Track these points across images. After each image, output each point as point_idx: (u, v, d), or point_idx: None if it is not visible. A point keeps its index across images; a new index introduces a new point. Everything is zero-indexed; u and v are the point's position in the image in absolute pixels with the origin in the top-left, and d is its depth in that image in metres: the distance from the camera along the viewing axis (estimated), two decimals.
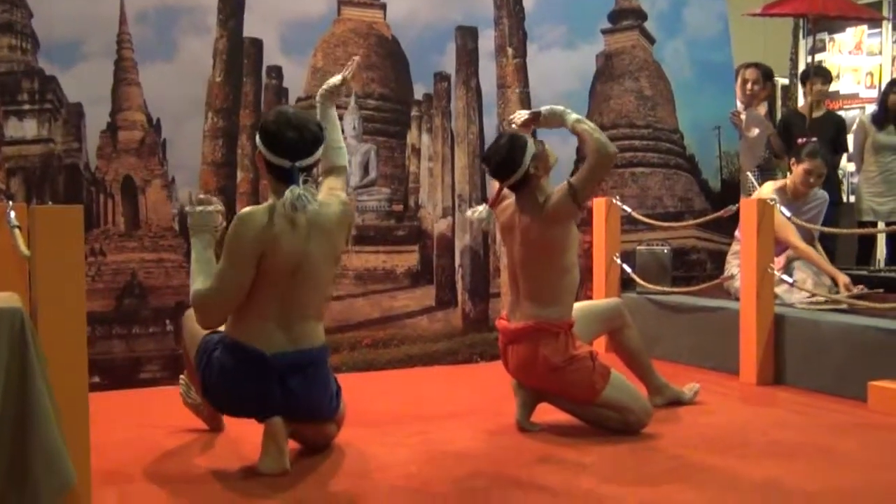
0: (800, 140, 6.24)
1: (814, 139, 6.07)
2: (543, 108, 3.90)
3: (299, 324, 3.37)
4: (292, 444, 3.45)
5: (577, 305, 3.99)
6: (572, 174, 4.24)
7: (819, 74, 7.04)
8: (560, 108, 3.89)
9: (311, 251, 3.34)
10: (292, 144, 3.29)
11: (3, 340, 2.16)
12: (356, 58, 3.91)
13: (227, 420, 3.83)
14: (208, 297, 3.26)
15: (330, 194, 3.51)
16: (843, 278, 5.25)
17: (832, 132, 6.84)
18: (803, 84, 7.08)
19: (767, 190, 5.45)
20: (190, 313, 3.66)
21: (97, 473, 2.77)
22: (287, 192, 3.22)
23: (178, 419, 3.93)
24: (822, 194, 5.58)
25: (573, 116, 3.85)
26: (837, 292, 5.18)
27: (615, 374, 3.88)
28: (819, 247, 5.67)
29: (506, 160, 3.85)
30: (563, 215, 3.78)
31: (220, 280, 3.23)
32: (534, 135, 4.11)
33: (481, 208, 3.98)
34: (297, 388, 3.33)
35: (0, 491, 2.13)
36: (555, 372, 3.81)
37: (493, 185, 4.02)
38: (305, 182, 3.31)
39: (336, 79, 3.75)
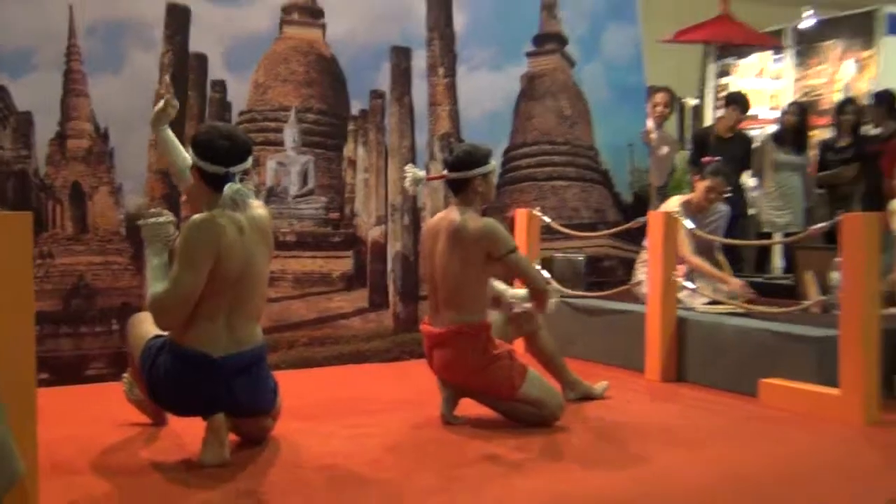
0: (704, 159, 6.37)
1: (717, 158, 6.19)
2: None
3: (243, 325, 3.39)
4: (231, 437, 3.46)
5: (496, 314, 4.07)
6: None
7: (738, 102, 7.14)
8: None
9: (255, 254, 3.38)
10: (225, 152, 3.34)
11: None
12: (167, 79, 3.92)
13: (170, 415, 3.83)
14: (166, 301, 3.25)
15: None
16: (734, 283, 5.36)
17: (741, 152, 6.97)
18: (725, 107, 7.19)
19: (673, 203, 5.55)
20: (136, 317, 3.66)
21: (44, 467, 2.76)
22: (226, 189, 3.26)
23: (123, 414, 3.90)
24: (724, 208, 5.71)
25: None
26: (734, 298, 5.30)
27: (531, 371, 3.95)
28: (721, 256, 5.81)
29: (464, 155, 3.99)
30: (482, 250, 3.85)
31: (176, 284, 3.23)
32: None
33: (418, 172, 4.11)
34: (242, 386, 3.36)
35: None
36: (476, 371, 3.88)
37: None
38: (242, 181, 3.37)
39: (159, 105, 3.75)
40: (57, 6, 4.88)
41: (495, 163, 4.18)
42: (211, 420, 3.35)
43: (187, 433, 3.59)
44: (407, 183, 4.13)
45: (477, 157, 4.00)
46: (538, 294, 3.99)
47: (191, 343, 3.30)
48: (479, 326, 3.88)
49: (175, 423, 3.80)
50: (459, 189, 4.00)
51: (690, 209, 5.45)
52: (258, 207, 3.51)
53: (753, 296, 5.26)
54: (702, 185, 5.54)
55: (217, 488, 3.10)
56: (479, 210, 4.00)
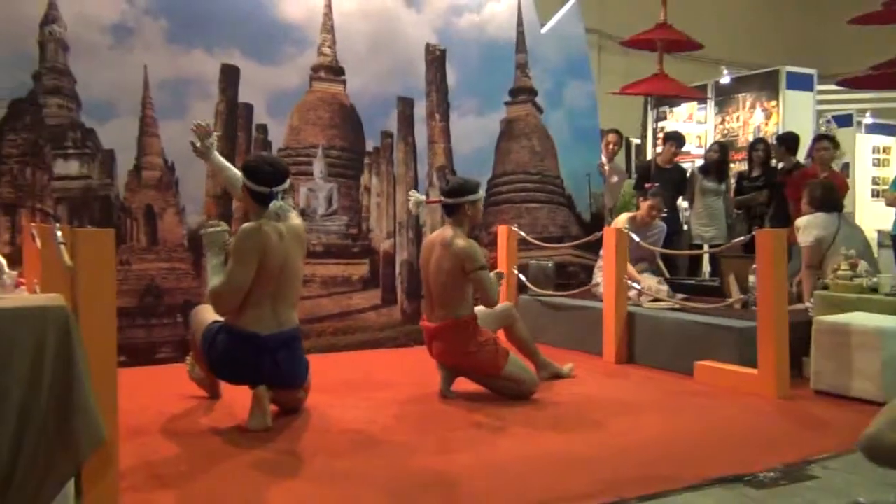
0: (646, 185, 6.37)
1: (657, 184, 6.19)
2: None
3: (284, 310, 3.42)
4: (272, 408, 3.43)
5: (481, 309, 4.03)
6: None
7: (675, 139, 7.12)
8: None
9: (292, 255, 3.41)
10: (269, 175, 3.39)
11: (51, 330, 2.13)
12: (200, 122, 3.89)
13: (223, 389, 3.80)
14: (223, 291, 3.30)
15: None
16: (647, 281, 5.36)
17: (678, 179, 6.97)
18: (664, 143, 7.18)
19: (622, 219, 5.55)
20: (197, 308, 3.66)
21: (123, 432, 2.72)
22: (271, 206, 3.33)
23: (186, 390, 3.89)
24: (662, 225, 5.71)
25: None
26: (673, 296, 5.29)
27: (512, 355, 3.93)
28: (660, 262, 5.81)
29: (457, 185, 4.00)
30: (460, 263, 3.80)
31: (231, 278, 3.29)
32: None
33: (420, 196, 4.14)
34: (283, 360, 3.38)
35: (51, 444, 2.08)
36: (467, 354, 3.85)
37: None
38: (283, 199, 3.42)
39: (197, 144, 3.80)
40: (134, 66, 4.86)
41: (482, 192, 4.17)
42: (256, 391, 3.34)
43: (237, 404, 3.58)
44: (411, 205, 4.15)
45: (467, 188, 3.99)
46: (488, 305, 3.96)
47: (243, 324, 3.33)
48: (467, 319, 3.85)
49: (227, 396, 3.78)
50: (452, 212, 3.97)
51: (635, 224, 5.44)
52: (295, 218, 3.55)
53: (666, 293, 5.27)
54: (645, 205, 5.54)
55: (262, 448, 3.09)
56: (466, 230, 3.97)
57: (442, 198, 4.05)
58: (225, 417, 3.52)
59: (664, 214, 5.73)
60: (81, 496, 2.29)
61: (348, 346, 5.42)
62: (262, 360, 3.33)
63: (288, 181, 3.48)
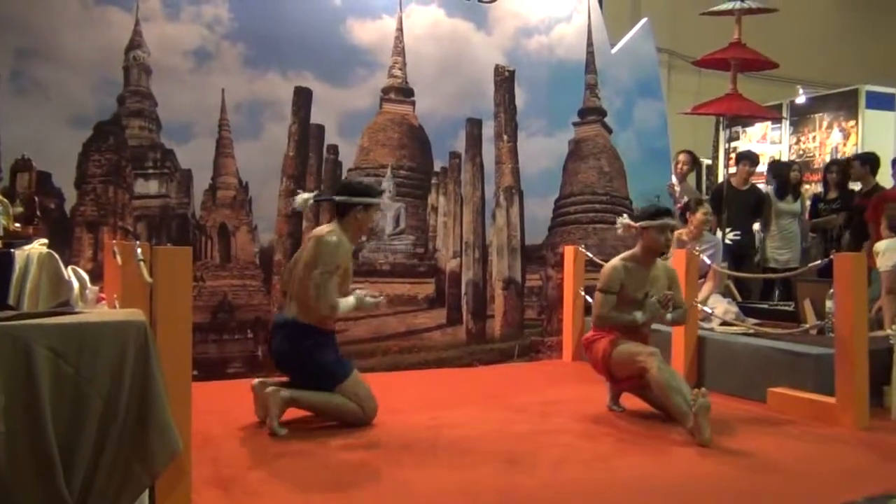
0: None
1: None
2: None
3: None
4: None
5: None
6: None
7: (749, 158, 7.00)
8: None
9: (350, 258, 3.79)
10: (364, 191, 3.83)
11: (131, 344, 2.19)
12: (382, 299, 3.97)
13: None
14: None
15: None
16: (716, 306, 5.20)
17: (753, 202, 6.82)
18: (737, 164, 7.04)
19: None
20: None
21: (196, 440, 2.79)
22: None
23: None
24: (714, 238, 5.57)
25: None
26: (744, 319, 5.15)
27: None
28: (731, 285, 5.67)
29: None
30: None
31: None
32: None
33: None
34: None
35: (128, 455, 2.15)
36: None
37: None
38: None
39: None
40: (212, 89, 5.02)
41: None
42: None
43: (306, 419, 3.60)
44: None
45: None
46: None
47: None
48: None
49: (295, 411, 3.83)
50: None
51: (683, 241, 5.31)
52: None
53: (735, 315, 5.16)
54: (698, 215, 5.40)
55: (332, 463, 3.10)
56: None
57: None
58: (293, 432, 3.57)
59: (736, 234, 5.58)
60: None
61: (413, 366, 5.44)
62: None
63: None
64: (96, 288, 3.36)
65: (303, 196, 3.84)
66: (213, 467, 3.01)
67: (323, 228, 3.78)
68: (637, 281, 3.97)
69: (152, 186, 4.87)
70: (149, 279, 2.54)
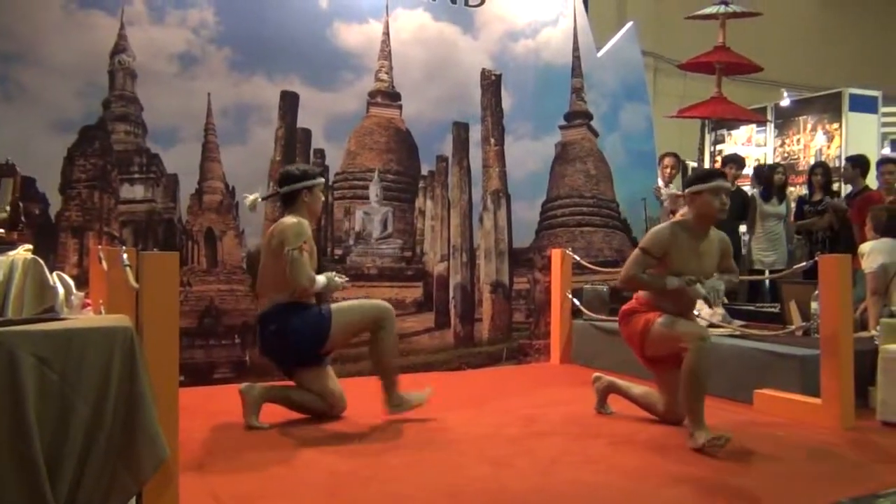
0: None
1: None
2: None
3: None
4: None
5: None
6: None
7: (735, 161, 7.03)
8: None
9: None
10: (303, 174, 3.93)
11: (117, 350, 2.17)
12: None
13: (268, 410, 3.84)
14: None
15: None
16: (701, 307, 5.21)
17: (739, 204, 6.83)
18: (723, 167, 7.06)
19: None
20: None
21: (182, 450, 2.78)
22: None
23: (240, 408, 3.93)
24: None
25: None
26: (730, 321, 5.18)
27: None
28: None
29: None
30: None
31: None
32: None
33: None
34: None
35: (115, 462, 2.13)
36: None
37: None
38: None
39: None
40: (198, 93, 5.00)
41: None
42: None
43: (297, 423, 3.58)
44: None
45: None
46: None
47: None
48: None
49: (286, 415, 3.81)
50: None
51: None
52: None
53: (721, 316, 5.15)
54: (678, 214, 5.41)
55: (318, 468, 3.09)
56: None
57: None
58: (283, 437, 3.56)
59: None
60: None
61: (402, 369, 5.36)
62: None
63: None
64: (82, 294, 3.34)
65: (250, 198, 3.96)
66: (201, 474, 2.99)
67: (281, 219, 3.89)
68: (686, 252, 3.63)
69: (138, 191, 4.85)
70: (135, 284, 2.52)
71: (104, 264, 3.39)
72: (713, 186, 3.62)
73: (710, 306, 4.49)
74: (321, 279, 3.82)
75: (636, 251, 3.75)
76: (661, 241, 3.65)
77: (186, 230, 4.97)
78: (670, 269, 3.62)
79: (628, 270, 3.70)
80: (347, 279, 4.04)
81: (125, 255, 2.73)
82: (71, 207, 4.66)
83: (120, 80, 4.82)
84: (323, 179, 4.10)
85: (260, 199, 3.99)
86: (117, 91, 4.81)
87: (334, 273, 3.98)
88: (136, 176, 4.85)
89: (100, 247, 4.08)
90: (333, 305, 3.89)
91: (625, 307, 3.90)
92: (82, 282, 3.98)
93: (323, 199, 4.06)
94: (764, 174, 7.14)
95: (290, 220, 3.78)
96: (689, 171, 9.14)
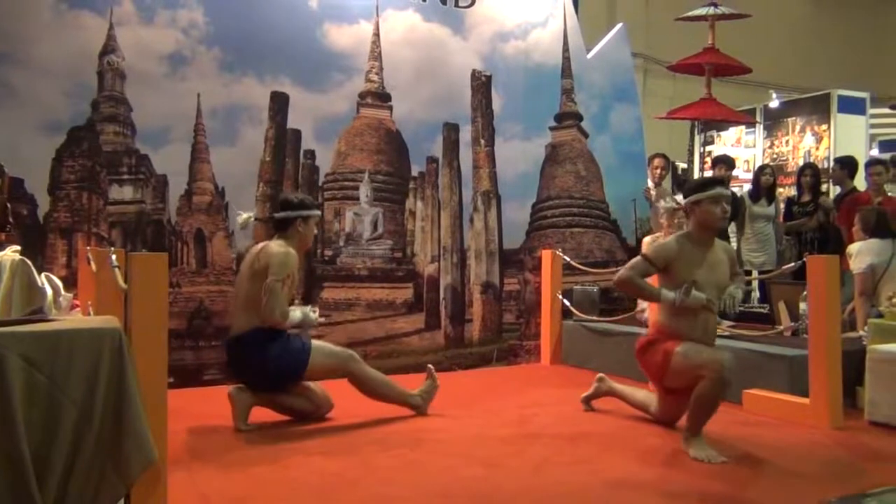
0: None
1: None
2: None
3: None
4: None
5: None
6: None
7: (725, 162, 7.06)
8: None
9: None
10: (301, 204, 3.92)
11: (105, 351, 2.17)
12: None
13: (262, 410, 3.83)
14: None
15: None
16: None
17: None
18: (713, 167, 7.09)
19: (646, 241, 5.49)
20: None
21: (170, 451, 2.77)
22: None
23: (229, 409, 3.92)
24: None
25: None
26: (720, 322, 5.18)
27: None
28: None
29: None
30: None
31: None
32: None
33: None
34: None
35: (103, 463, 2.13)
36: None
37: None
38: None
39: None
40: (188, 94, 4.99)
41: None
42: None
43: (286, 425, 3.58)
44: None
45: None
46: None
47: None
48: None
49: (273, 417, 3.81)
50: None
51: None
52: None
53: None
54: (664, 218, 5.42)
55: (309, 468, 3.09)
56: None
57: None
58: (271, 439, 3.55)
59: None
60: None
61: (392, 370, 5.39)
62: None
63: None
64: (70, 295, 3.33)
65: (243, 216, 3.97)
66: (190, 475, 2.99)
67: (269, 242, 3.84)
68: (692, 262, 3.51)
69: (127, 192, 4.83)
70: (124, 286, 2.51)
71: (93, 265, 3.38)
72: (713, 195, 3.52)
73: (727, 314, 4.47)
74: (296, 314, 3.77)
75: (637, 258, 3.68)
76: (665, 252, 3.57)
77: (176, 231, 4.95)
78: (677, 282, 3.49)
79: (625, 272, 3.60)
80: (323, 317, 4.01)
81: (114, 256, 2.73)
82: (59, 208, 4.64)
83: (109, 80, 4.80)
84: (319, 213, 4.11)
85: (253, 220, 4.00)
86: (106, 92, 4.79)
87: (310, 307, 3.92)
88: (126, 177, 4.83)
89: (88, 248, 4.06)
90: (314, 342, 3.84)
91: (643, 338, 3.73)
92: (71, 283, 3.97)
93: (315, 232, 4.05)
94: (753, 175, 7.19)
95: (278, 248, 3.72)
96: (678, 172, 9.21)
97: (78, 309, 3.15)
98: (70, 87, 4.70)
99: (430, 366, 4.23)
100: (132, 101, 4.83)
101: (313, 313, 3.88)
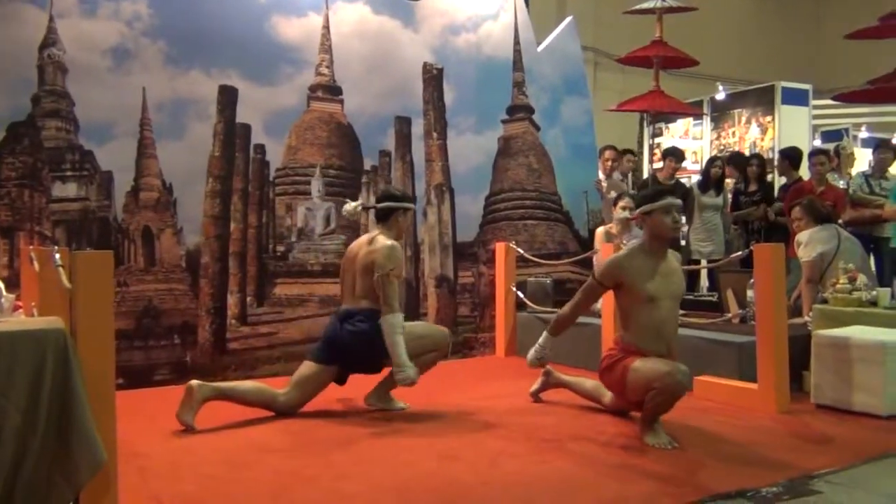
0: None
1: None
2: None
3: None
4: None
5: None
6: None
7: (675, 155, 7.18)
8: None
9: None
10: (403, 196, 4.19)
11: (49, 353, 2.12)
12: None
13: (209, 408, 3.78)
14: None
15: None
16: None
17: (679, 195, 6.95)
18: (663, 159, 7.20)
19: (599, 232, 5.66)
20: None
21: (121, 454, 2.71)
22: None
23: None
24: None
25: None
26: None
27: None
28: None
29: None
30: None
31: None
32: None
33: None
34: None
35: (49, 468, 2.07)
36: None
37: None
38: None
39: None
40: (133, 88, 4.88)
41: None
42: None
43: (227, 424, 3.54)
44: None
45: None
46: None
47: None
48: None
49: (227, 416, 3.76)
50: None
51: (613, 234, 5.43)
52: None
53: None
54: (615, 211, 5.52)
55: (262, 468, 3.05)
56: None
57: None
58: (225, 438, 3.50)
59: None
60: None
61: None
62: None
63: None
64: (12, 296, 3.22)
65: (351, 204, 4.16)
66: (141, 477, 2.93)
67: (377, 235, 4.01)
68: (645, 275, 3.53)
69: (71, 189, 4.70)
70: (68, 285, 2.45)
71: (36, 265, 3.28)
72: (664, 205, 3.55)
73: None
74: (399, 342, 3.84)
75: (590, 279, 3.73)
76: (612, 270, 3.59)
77: (122, 229, 4.84)
78: (638, 295, 3.52)
79: (568, 304, 3.85)
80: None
81: (57, 256, 2.65)
82: (0, 207, 4.50)
83: (50, 74, 4.67)
84: (414, 207, 4.34)
85: (360, 209, 4.23)
86: (47, 86, 4.66)
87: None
88: (69, 173, 4.71)
89: (31, 247, 3.93)
90: (407, 324, 3.98)
91: (605, 354, 3.76)
92: (13, 284, 3.84)
93: (409, 224, 4.28)
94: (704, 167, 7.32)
95: (385, 241, 3.93)
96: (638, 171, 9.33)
97: (21, 310, 3.05)
98: (9, 81, 4.55)
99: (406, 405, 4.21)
100: (75, 95, 4.71)
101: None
